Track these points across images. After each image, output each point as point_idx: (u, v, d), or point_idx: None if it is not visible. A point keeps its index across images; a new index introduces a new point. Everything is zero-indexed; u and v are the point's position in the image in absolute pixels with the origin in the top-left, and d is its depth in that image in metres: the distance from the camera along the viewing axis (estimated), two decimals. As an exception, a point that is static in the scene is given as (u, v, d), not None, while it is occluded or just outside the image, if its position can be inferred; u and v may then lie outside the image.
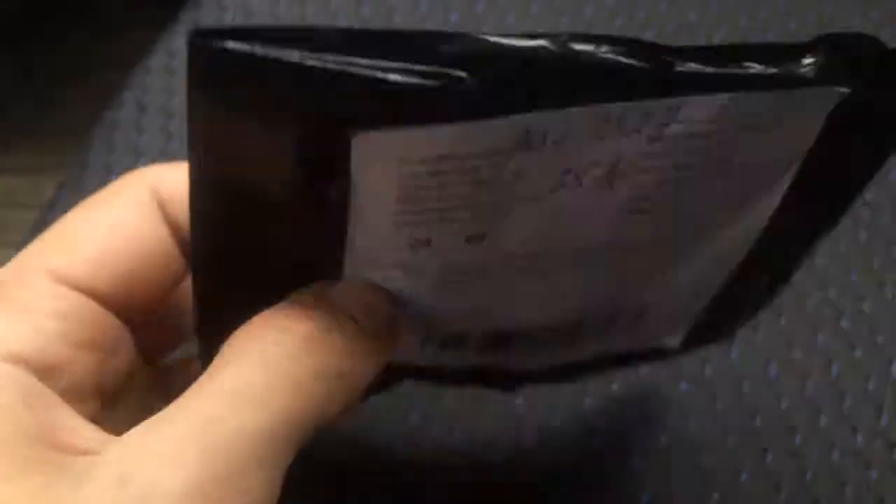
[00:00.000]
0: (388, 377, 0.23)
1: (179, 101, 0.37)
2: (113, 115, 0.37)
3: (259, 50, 0.15)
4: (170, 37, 0.40)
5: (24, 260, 0.19)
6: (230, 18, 0.40)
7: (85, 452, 0.17)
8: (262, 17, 0.40)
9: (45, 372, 0.18)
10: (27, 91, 0.92)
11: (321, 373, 0.17)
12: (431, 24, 0.39)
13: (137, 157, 0.36)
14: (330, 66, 0.16)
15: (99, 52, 0.93)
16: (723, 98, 0.19)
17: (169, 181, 0.20)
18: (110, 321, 0.20)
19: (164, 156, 0.36)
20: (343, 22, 0.39)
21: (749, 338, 0.31)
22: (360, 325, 0.19)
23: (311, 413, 0.17)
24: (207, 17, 0.40)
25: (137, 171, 0.21)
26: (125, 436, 0.17)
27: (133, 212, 0.20)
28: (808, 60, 0.19)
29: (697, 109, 0.19)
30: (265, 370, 0.17)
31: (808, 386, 0.30)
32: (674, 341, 0.27)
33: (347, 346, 0.18)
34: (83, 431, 0.18)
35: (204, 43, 0.15)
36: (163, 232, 0.20)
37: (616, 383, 0.30)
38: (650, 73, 0.18)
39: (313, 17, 0.39)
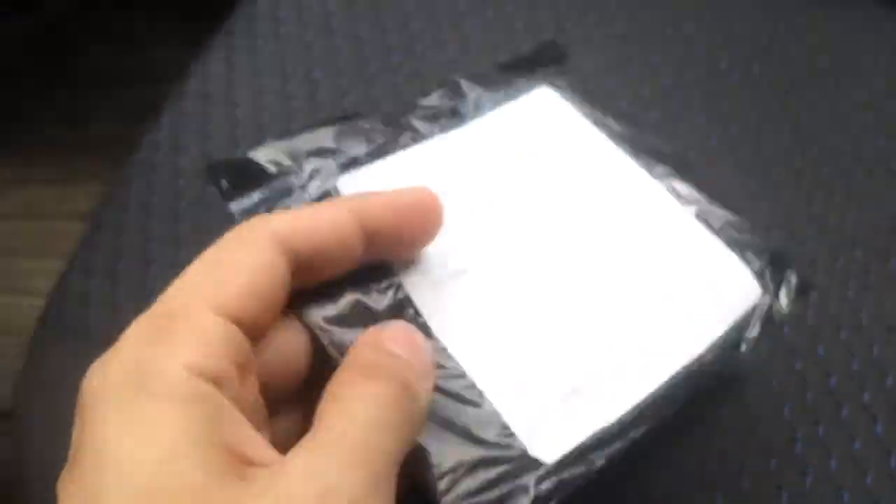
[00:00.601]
0: None
1: (214, 125, 0.39)
2: (153, 138, 0.39)
3: None
4: (205, 61, 0.42)
5: (184, 293, 0.23)
6: (261, 44, 0.42)
7: (261, 464, 0.20)
8: (290, 41, 0.42)
9: (218, 386, 0.21)
10: (51, 104, 0.94)
11: (407, 416, 0.22)
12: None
13: (177, 177, 0.38)
14: None
15: (122, 66, 0.95)
16: None
17: (285, 224, 0.24)
18: (248, 346, 0.23)
19: (202, 177, 0.38)
20: (368, 51, 0.41)
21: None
22: (410, 366, 0.23)
23: (406, 443, 0.22)
24: (240, 44, 0.42)
25: (259, 218, 0.24)
26: (292, 456, 0.20)
27: (265, 252, 0.23)
28: None
29: None
30: (369, 424, 0.21)
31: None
32: None
33: (412, 389, 0.22)
34: (258, 444, 0.21)
35: None
36: (284, 269, 0.24)
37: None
38: None
39: (342, 46, 0.42)
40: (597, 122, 0.33)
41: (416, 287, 0.27)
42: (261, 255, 0.23)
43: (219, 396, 0.21)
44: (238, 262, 0.23)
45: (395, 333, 0.23)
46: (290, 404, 0.25)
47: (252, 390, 0.23)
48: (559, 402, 0.25)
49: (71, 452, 0.20)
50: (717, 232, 0.30)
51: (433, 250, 0.28)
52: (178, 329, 0.21)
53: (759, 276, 0.29)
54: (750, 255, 0.29)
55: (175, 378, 0.20)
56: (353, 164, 0.30)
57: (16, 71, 0.94)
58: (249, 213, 0.27)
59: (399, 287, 0.27)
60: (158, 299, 0.22)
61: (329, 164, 0.29)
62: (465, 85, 0.33)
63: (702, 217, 0.30)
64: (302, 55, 0.41)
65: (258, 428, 0.22)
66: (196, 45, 0.43)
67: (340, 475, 0.20)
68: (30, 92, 0.94)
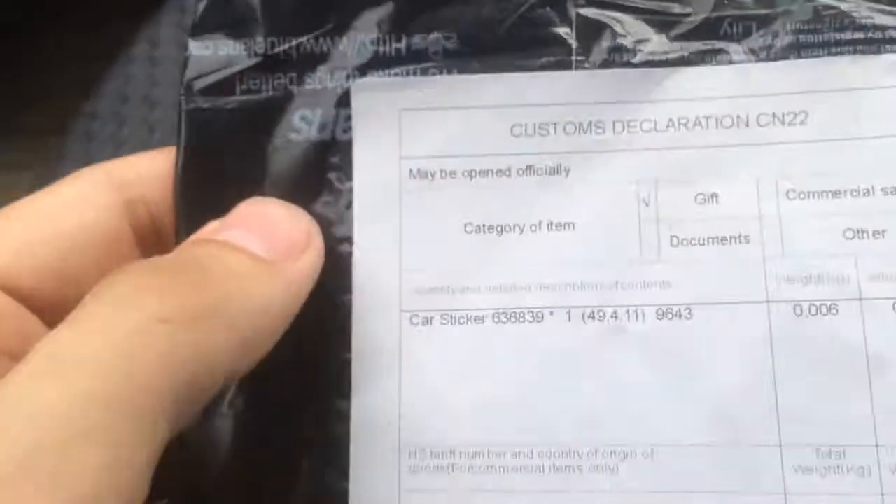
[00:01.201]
0: None
1: (162, 91, 0.36)
2: (93, 106, 0.36)
3: None
4: (152, 26, 0.39)
5: None
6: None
7: None
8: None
9: None
10: (3, 86, 0.91)
11: (165, 316, 0.15)
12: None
13: (118, 148, 0.35)
14: None
15: (78, 45, 0.91)
16: None
17: (129, 167, 0.20)
18: (32, 324, 0.17)
19: (146, 146, 0.34)
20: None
21: None
22: (241, 249, 0.17)
23: (178, 355, 0.15)
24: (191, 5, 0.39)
25: (97, 164, 0.20)
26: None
27: (80, 199, 0.19)
28: None
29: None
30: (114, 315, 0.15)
31: None
32: None
33: (213, 280, 0.16)
34: None
35: None
36: (115, 217, 0.19)
37: None
38: None
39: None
40: None
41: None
42: (73, 199, 0.18)
43: None
44: (38, 211, 0.18)
45: (239, 218, 0.18)
46: None
47: None
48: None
49: None
50: None
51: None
52: None
53: None
54: None
55: None
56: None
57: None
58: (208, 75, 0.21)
59: None
60: None
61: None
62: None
63: None
64: (258, 17, 0.38)
65: None
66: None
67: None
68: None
